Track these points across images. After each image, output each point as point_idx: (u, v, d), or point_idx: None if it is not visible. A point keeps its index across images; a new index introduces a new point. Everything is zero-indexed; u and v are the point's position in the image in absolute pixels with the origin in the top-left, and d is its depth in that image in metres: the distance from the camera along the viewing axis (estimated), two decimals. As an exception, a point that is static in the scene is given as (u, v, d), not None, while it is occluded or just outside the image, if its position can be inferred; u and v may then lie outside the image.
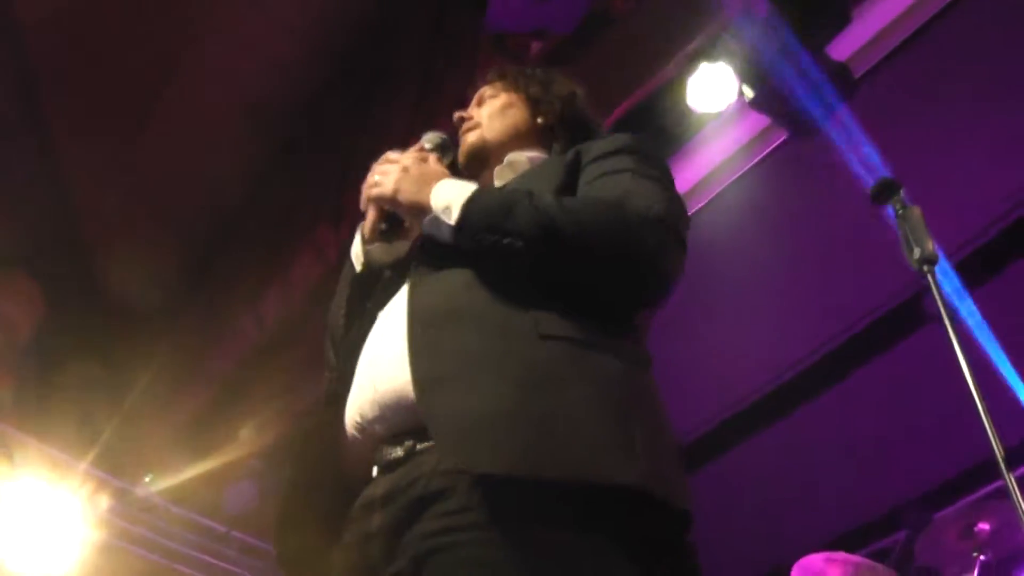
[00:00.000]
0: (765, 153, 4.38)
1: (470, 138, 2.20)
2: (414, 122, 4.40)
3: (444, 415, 1.54)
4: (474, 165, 2.17)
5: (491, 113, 2.22)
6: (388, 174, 1.88)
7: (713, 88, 4.21)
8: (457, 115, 2.25)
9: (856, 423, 5.18)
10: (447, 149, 2.11)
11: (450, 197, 1.76)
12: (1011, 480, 2.11)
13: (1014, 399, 4.27)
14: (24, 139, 4.82)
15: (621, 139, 1.93)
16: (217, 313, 5.28)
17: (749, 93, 4.21)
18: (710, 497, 5.59)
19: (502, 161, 2.13)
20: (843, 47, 4.19)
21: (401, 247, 2.00)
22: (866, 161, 3.82)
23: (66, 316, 5.29)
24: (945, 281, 2.38)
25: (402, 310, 1.73)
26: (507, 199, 1.73)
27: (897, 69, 4.21)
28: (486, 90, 2.29)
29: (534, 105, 2.23)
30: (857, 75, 4.20)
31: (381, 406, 1.69)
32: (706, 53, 4.15)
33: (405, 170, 1.87)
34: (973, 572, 4.02)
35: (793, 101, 4.12)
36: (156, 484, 5.36)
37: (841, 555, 4.24)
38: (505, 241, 1.67)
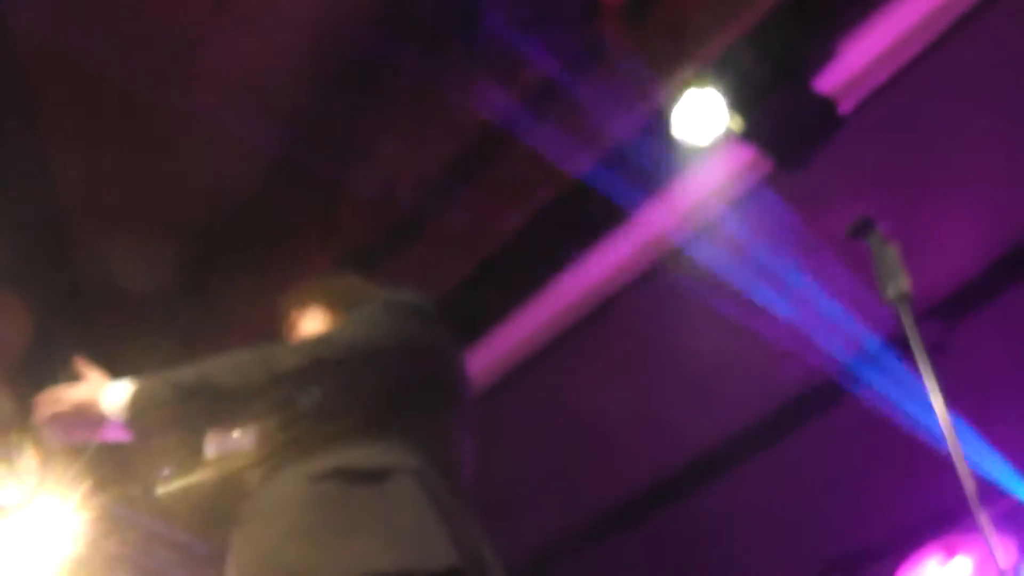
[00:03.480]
0: (750, 185, 4.39)
1: None
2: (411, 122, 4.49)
3: (240, 569, 1.97)
4: None
5: (302, 332, 2.48)
6: (51, 425, 2.13)
7: (699, 118, 4.24)
8: None
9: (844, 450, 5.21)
10: None
11: (113, 404, 2.04)
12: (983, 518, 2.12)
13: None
14: (15, 138, 4.80)
15: (361, 302, 2.27)
16: (217, 312, 5.27)
17: (738, 124, 4.23)
18: (702, 525, 5.65)
19: None
20: (829, 80, 4.22)
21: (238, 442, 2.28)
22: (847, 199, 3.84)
23: (63, 319, 5.26)
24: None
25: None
26: (151, 381, 2.05)
27: (883, 104, 4.23)
28: (290, 315, 2.56)
29: (327, 308, 2.49)
30: (843, 110, 4.23)
31: None
32: (694, 81, 4.18)
33: (60, 414, 2.10)
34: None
35: (780, 133, 4.16)
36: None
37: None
38: (165, 414, 2.01)
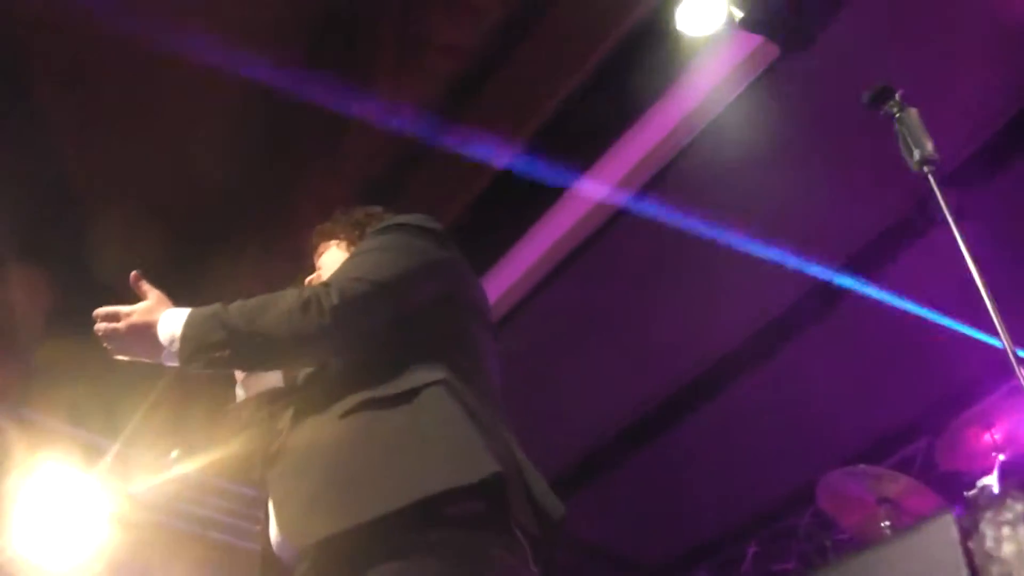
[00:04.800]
0: (759, 72, 4.33)
1: None
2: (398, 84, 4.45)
3: (285, 523, 1.96)
4: None
5: (324, 263, 2.56)
6: (108, 339, 2.16)
7: (702, 11, 4.19)
8: (306, 281, 2.53)
9: (871, 336, 5.20)
10: None
11: (167, 334, 2.08)
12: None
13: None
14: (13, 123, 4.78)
15: (374, 229, 2.31)
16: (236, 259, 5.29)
17: (738, 14, 4.18)
18: (731, 422, 5.71)
19: None
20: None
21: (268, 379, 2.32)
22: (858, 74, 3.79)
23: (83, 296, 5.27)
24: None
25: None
26: (205, 318, 2.05)
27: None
28: (316, 253, 2.62)
29: (347, 240, 2.55)
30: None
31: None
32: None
33: (118, 334, 2.13)
34: (993, 473, 4.05)
35: (782, 17, 4.10)
36: (181, 459, 5.40)
37: (863, 468, 4.29)
38: (216, 355, 2.02)
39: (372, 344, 2.08)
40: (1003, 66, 4.37)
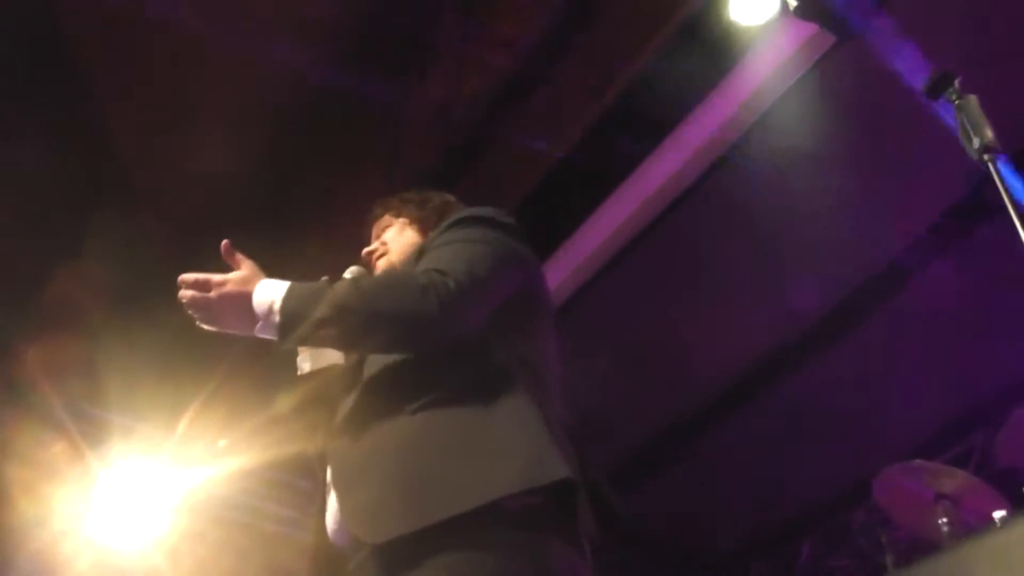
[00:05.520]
0: (814, 61, 4.28)
1: (382, 264, 2.50)
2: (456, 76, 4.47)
3: (352, 514, 1.91)
4: None
5: (393, 238, 2.53)
6: (196, 308, 2.08)
7: (755, 2, 4.17)
8: (365, 252, 2.54)
9: (926, 328, 5.12)
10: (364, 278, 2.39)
11: (264, 306, 2.00)
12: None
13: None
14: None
15: (448, 221, 2.23)
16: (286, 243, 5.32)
17: (792, 2, 4.14)
18: (786, 418, 5.65)
19: None
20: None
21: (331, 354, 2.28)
22: (916, 58, 3.73)
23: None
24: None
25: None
26: (310, 292, 2.00)
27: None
28: (378, 225, 2.61)
29: (420, 223, 2.54)
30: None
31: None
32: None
33: (208, 303, 2.06)
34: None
35: (837, 4, 4.05)
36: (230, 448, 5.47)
37: (920, 463, 4.22)
38: (320, 332, 1.96)
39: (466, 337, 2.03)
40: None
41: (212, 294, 2.04)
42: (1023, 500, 3.88)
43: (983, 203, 4.33)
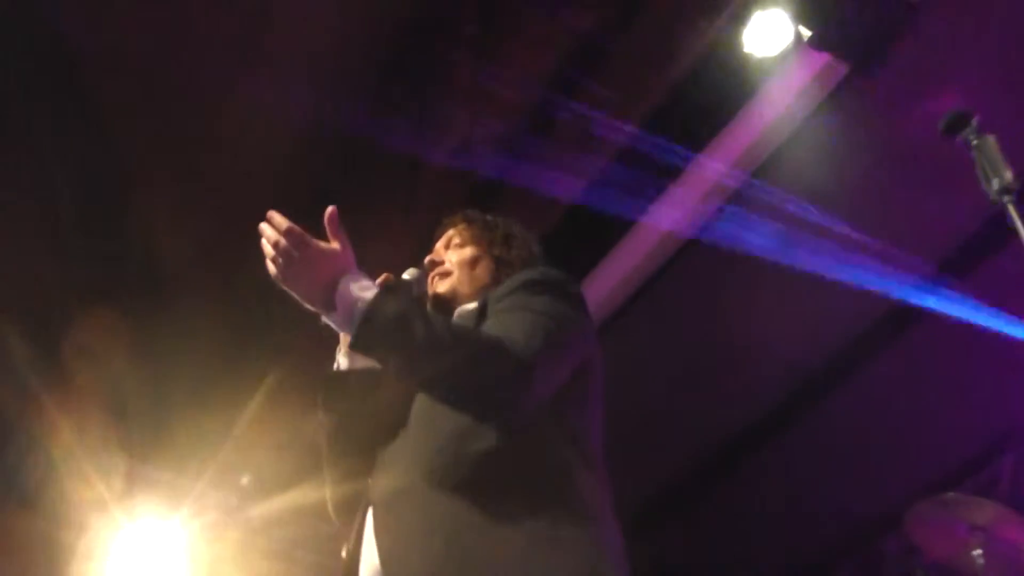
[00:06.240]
0: (830, 91, 4.26)
1: (442, 287, 2.38)
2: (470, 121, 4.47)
3: None
4: (439, 308, 2.34)
5: (461, 263, 2.41)
6: (280, 258, 1.94)
7: (769, 31, 4.15)
8: (428, 258, 2.43)
9: (950, 355, 5.07)
10: (421, 285, 2.32)
11: (350, 299, 1.90)
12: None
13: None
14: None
15: (518, 279, 2.14)
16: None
17: (806, 33, 4.12)
18: (811, 448, 5.60)
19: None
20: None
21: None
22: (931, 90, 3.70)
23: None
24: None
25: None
26: (398, 314, 1.89)
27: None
28: (453, 235, 2.48)
29: (497, 265, 2.42)
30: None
31: None
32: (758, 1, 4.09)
33: (292, 259, 1.93)
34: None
35: (852, 35, 4.03)
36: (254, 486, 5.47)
37: (952, 496, 4.20)
38: (389, 356, 1.92)
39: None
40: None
41: (301, 253, 1.91)
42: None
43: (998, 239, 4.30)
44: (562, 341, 2.02)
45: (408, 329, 1.86)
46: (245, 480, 5.63)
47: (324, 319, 1.98)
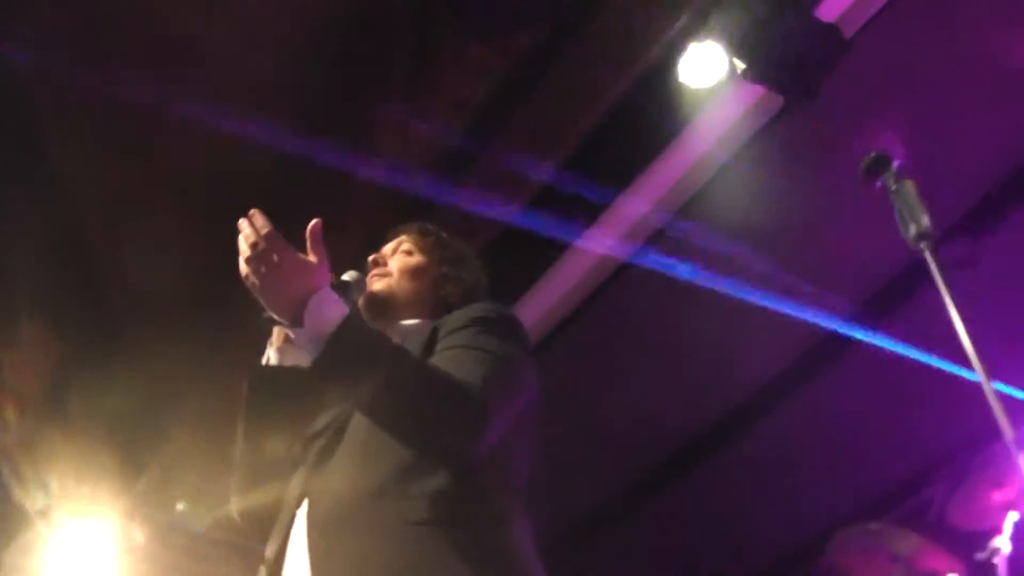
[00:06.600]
0: (763, 125, 4.31)
1: (378, 285, 2.34)
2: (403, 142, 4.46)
3: None
4: (373, 310, 2.31)
5: (403, 270, 2.38)
6: (257, 261, 1.89)
7: (704, 63, 4.19)
8: (372, 257, 2.40)
9: (882, 385, 5.15)
10: (360, 288, 2.27)
11: (319, 319, 1.85)
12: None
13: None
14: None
15: (471, 315, 2.10)
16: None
17: (740, 65, 4.16)
18: (737, 474, 5.66)
19: (398, 315, 2.32)
20: (832, 7, 4.11)
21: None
22: (860, 128, 3.75)
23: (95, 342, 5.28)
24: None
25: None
26: (369, 341, 1.88)
27: (890, 27, 4.12)
28: (404, 241, 2.45)
29: (442, 281, 2.39)
30: (848, 35, 4.13)
31: None
32: (693, 32, 4.12)
33: (271, 262, 1.87)
34: (1004, 532, 3.99)
35: (784, 69, 4.07)
36: (190, 512, 5.39)
37: (874, 527, 4.27)
38: (353, 388, 1.86)
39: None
40: (1006, 115, 4.34)
41: (280, 260, 1.86)
42: (976, 564, 3.90)
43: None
44: (514, 388, 2.02)
45: (374, 361, 1.83)
46: (181, 506, 5.56)
47: (271, 317, 1.93)
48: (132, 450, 5.36)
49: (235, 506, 2.17)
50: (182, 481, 5.56)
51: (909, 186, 2.36)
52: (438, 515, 1.82)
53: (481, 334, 2.04)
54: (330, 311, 1.85)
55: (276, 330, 2.17)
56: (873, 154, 2.46)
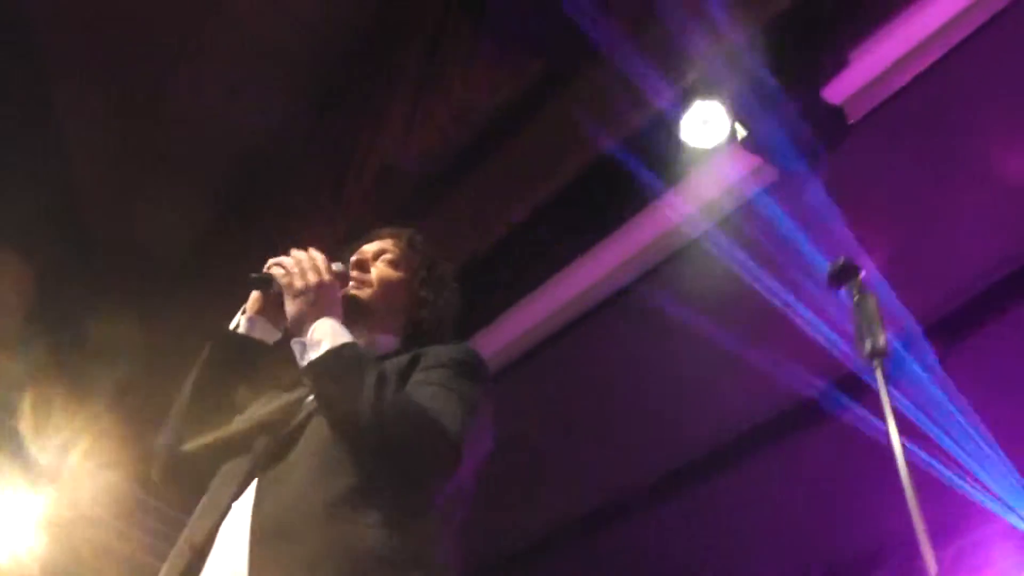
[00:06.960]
0: (753, 194, 4.32)
1: (357, 293, 2.33)
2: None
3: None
4: (347, 315, 2.26)
5: (383, 281, 2.37)
6: (301, 276, 2.07)
7: (707, 123, 4.19)
8: (355, 258, 2.39)
9: (833, 464, 5.16)
10: (343, 279, 2.30)
11: (323, 337, 1.97)
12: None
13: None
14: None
15: (451, 354, 2.13)
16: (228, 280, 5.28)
17: (742, 132, 4.18)
18: (681, 538, 5.63)
19: (368, 324, 2.30)
20: (839, 90, 4.13)
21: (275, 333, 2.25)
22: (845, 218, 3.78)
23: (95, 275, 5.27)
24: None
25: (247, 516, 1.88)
26: (367, 366, 1.92)
27: (892, 113, 4.14)
28: (390, 248, 2.44)
29: (418, 303, 2.39)
30: (853, 119, 4.15)
31: None
32: (700, 90, 4.12)
33: (319, 286, 2.06)
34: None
35: (783, 145, 4.09)
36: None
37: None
38: (335, 406, 1.91)
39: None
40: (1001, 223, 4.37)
41: (316, 280, 2.07)
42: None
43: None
44: (476, 437, 2.04)
45: (360, 383, 1.87)
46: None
47: (257, 277, 2.12)
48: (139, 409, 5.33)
49: (158, 465, 2.19)
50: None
51: (872, 301, 2.37)
52: (387, 551, 1.81)
53: (458, 377, 2.08)
54: (335, 335, 1.99)
55: (253, 297, 2.24)
56: (841, 260, 2.47)
